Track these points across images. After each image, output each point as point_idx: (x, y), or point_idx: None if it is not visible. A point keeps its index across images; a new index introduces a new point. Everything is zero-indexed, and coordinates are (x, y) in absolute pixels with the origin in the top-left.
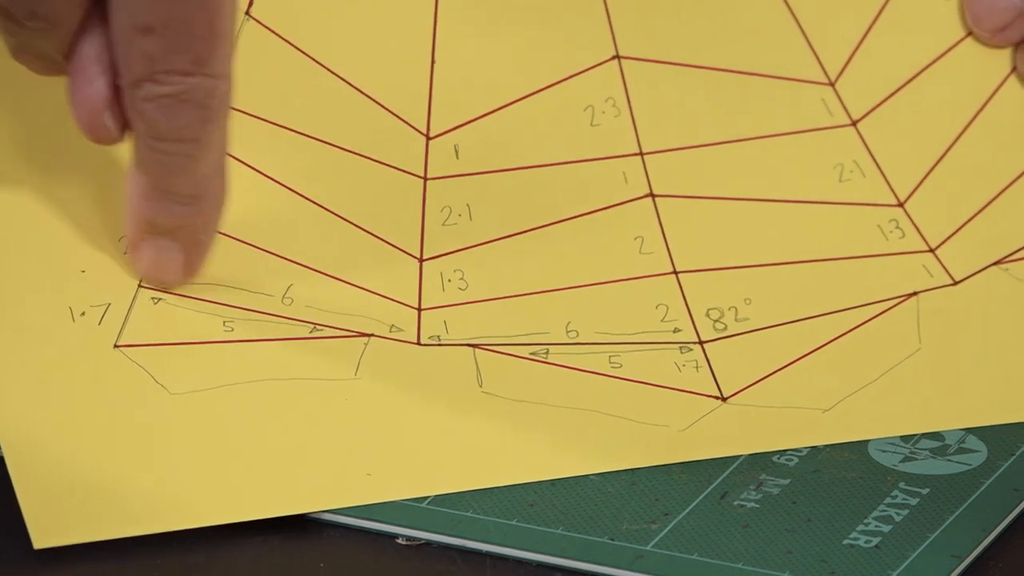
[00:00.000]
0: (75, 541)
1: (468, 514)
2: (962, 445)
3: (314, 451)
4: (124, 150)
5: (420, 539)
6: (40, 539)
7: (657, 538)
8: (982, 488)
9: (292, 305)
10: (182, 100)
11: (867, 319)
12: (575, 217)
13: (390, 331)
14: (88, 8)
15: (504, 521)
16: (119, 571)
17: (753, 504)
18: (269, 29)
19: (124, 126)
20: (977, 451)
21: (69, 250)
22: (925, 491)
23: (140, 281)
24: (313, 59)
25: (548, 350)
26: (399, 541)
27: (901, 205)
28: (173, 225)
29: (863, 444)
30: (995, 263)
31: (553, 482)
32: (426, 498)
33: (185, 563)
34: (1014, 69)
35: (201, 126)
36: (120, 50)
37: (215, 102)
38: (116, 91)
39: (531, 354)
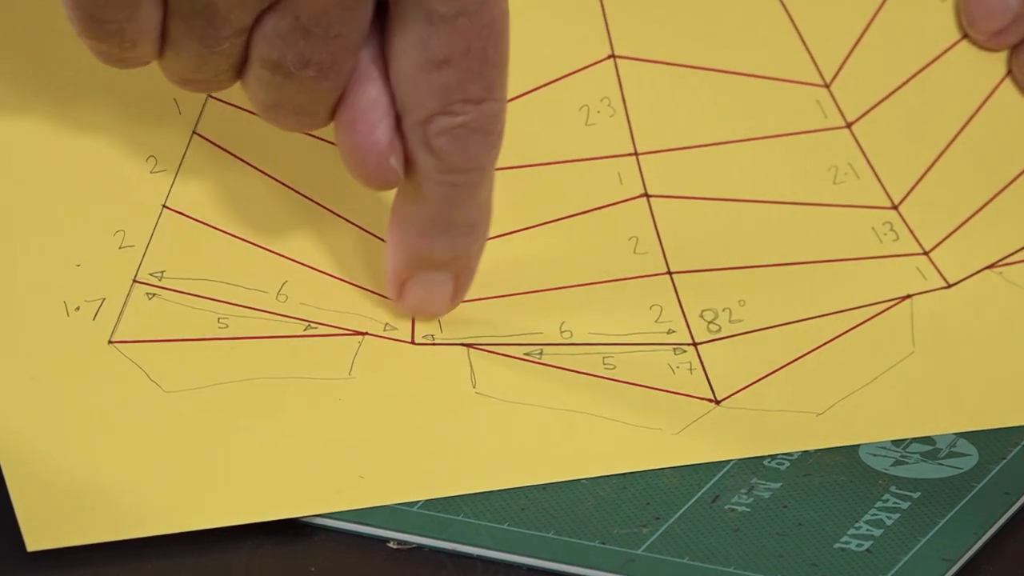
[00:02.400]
0: (68, 544)
1: (459, 518)
2: (953, 449)
3: (307, 453)
4: (124, 144)
5: (411, 543)
6: (33, 541)
7: (648, 542)
8: (973, 492)
9: (287, 302)
10: (473, 129)
11: (861, 322)
12: (569, 217)
13: (384, 329)
14: (358, 54)
15: (495, 525)
16: (111, 574)
17: (744, 508)
18: None
19: (405, 167)
20: (968, 455)
21: (64, 243)
22: (916, 495)
23: (134, 277)
24: None
25: (542, 350)
26: (390, 545)
27: (895, 207)
28: (450, 257)
29: (854, 448)
30: (989, 266)
31: (544, 486)
32: (417, 502)
33: (177, 567)
34: (1009, 72)
35: (488, 153)
36: (408, 88)
37: (500, 127)
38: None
39: (525, 354)
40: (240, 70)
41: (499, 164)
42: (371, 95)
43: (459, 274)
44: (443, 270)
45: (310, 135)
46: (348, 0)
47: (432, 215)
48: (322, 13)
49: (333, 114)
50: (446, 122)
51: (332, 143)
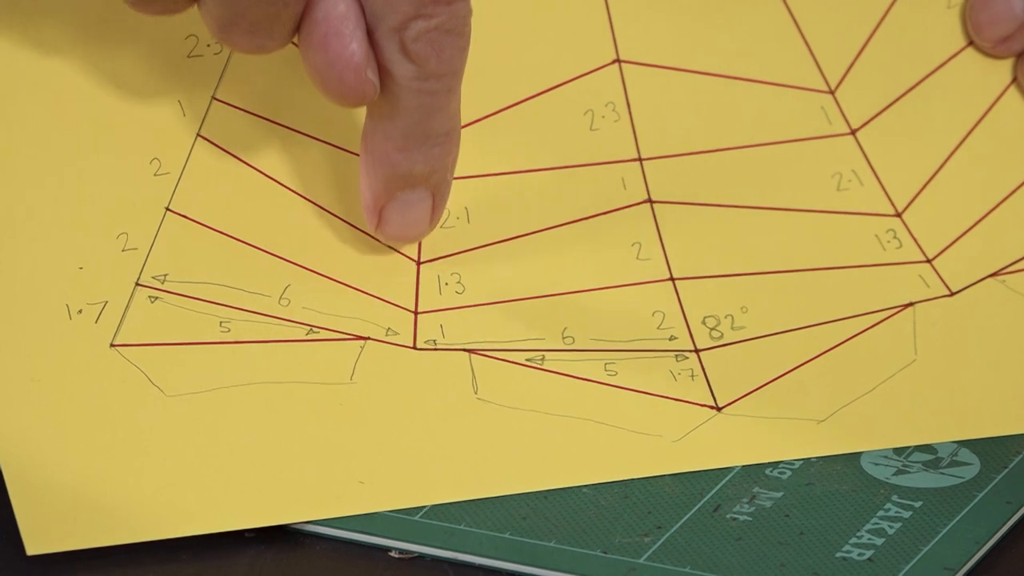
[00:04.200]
0: (68, 548)
1: (461, 527)
2: (955, 458)
3: (308, 458)
4: (128, 146)
5: (412, 552)
6: (33, 545)
7: (650, 551)
8: (975, 501)
9: (289, 306)
10: (447, 31)
11: (863, 329)
12: (573, 222)
13: (386, 334)
14: None
15: (497, 534)
16: None
17: (746, 517)
18: None
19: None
20: (970, 464)
21: (67, 246)
22: (918, 504)
23: (137, 280)
24: None
25: (544, 356)
26: (391, 554)
27: (899, 215)
28: (429, 170)
29: (856, 457)
30: (992, 275)
31: (546, 494)
32: (419, 511)
33: (178, 573)
34: (1015, 80)
35: (461, 55)
36: None
37: (469, 28)
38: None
39: (527, 360)
40: None
41: (503, 168)
42: (340, 9)
43: (437, 189)
44: (422, 186)
45: (313, 138)
46: None
47: (409, 127)
48: None
49: (290, 33)
50: (421, 26)
51: (335, 147)
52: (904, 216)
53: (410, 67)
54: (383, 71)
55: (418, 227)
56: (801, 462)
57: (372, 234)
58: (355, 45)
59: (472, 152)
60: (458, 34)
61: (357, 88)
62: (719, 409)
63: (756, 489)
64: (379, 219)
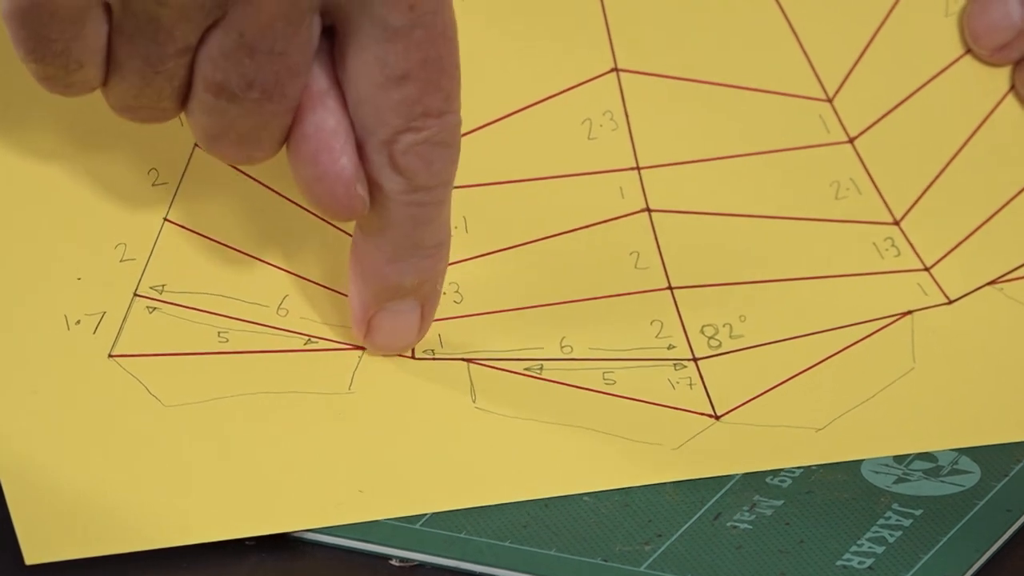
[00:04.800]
0: (67, 557)
1: (461, 535)
2: (955, 466)
3: (307, 467)
4: (126, 157)
5: (413, 560)
6: (32, 555)
7: (650, 559)
8: (975, 509)
9: (287, 316)
10: (436, 143)
11: (862, 337)
12: (571, 231)
13: None
14: (306, 78)
15: (497, 542)
16: None
17: (746, 525)
18: None
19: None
20: (970, 472)
21: (65, 257)
22: (918, 512)
23: (135, 291)
24: None
25: (542, 365)
26: (392, 562)
27: (897, 223)
28: (418, 282)
29: (856, 465)
30: (990, 283)
31: (546, 503)
32: (419, 519)
33: None
34: (1012, 88)
35: (451, 167)
36: (368, 109)
37: (459, 139)
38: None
39: (525, 369)
40: (183, 97)
41: (501, 178)
42: (330, 124)
43: (426, 300)
44: (411, 297)
45: None
46: (293, 15)
47: (399, 239)
48: (266, 29)
49: (279, 145)
50: (411, 139)
51: None
52: (902, 224)
53: (400, 180)
54: (372, 184)
55: (406, 337)
56: (801, 470)
57: (360, 344)
58: (345, 160)
59: (470, 161)
60: (448, 146)
61: (347, 203)
62: (717, 417)
63: (756, 497)
64: (367, 329)
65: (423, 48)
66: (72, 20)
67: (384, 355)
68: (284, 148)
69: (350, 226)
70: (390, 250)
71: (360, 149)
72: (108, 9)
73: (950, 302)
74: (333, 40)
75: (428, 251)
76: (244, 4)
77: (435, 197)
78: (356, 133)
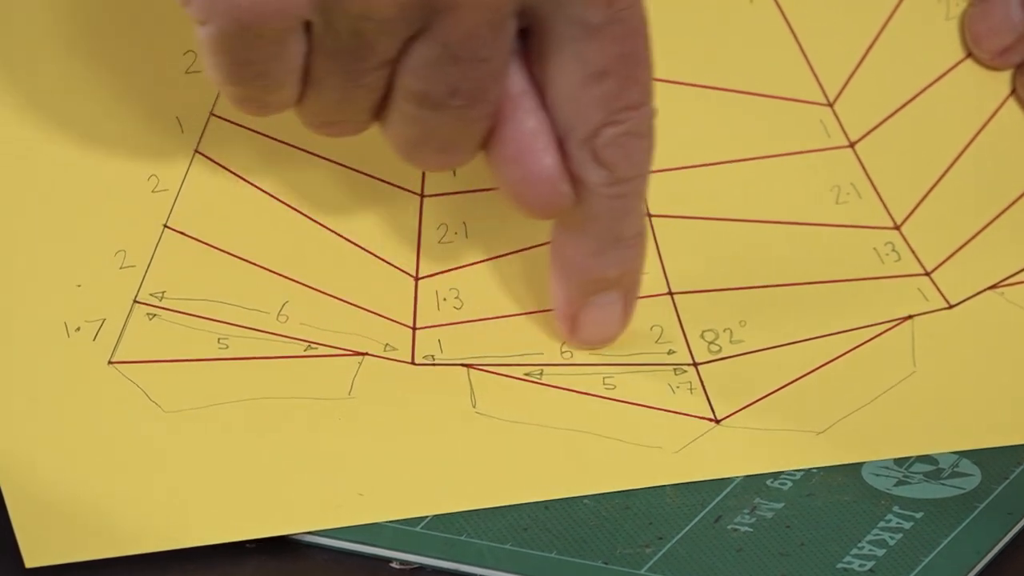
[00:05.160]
0: (67, 560)
1: (462, 538)
2: (956, 469)
3: (307, 471)
4: (126, 163)
5: (414, 563)
6: (32, 558)
7: (651, 562)
8: (976, 512)
9: (287, 323)
10: (635, 135)
11: (862, 342)
12: None
13: (384, 350)
14: (505, 81)
15: (498, 545)
16: None
17: (747, 528)
18: None
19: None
20: (971, 475)
21: (65, 263)
22: (919, 515)
23: (135, 297)
24: None
25: (542, 370)
26: (393, 565)
27: (897, 228)
28: (621, 273)
29: (857, 468)
30: (990, 287)
31: (547, 505)
32: (420, 522)
33: None
34: (1013, 91)
35: (649, 156)
36: (570, 106)
37: (654, 128)
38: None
39: (525, 374)
40: (380, 108)
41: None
42: (531, 125)
43: (628, 290)
44: (614, 289)
45: (311, 154)
46: (495, 21)
47: (601, 232)
48: (471, 37)
49: (478, 149)
50: (612, 132)
51: (332, 162)
52: (903, 229)
53: (602, 173)
54: (574, 180)
55: (612, 329)
56: (802, 473)
57: (565, 341)
58: (549, 160)
59: (470, 167)
60: (646, 136)
61: (554, 201)
62: (718, 421)
63: (757, 500)
64: (573, 324)
65: (621, 43)
66: (276, 40)
67: (589, 347)
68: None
69: (349, 231)
70: (593, 244)
71: (560, 146)
72: (308, 27)
73: (951, 307)
74: (527, 40)
75: (629, 241)
76: (448, 14)
77: (635, 188)
78: (556, 131)
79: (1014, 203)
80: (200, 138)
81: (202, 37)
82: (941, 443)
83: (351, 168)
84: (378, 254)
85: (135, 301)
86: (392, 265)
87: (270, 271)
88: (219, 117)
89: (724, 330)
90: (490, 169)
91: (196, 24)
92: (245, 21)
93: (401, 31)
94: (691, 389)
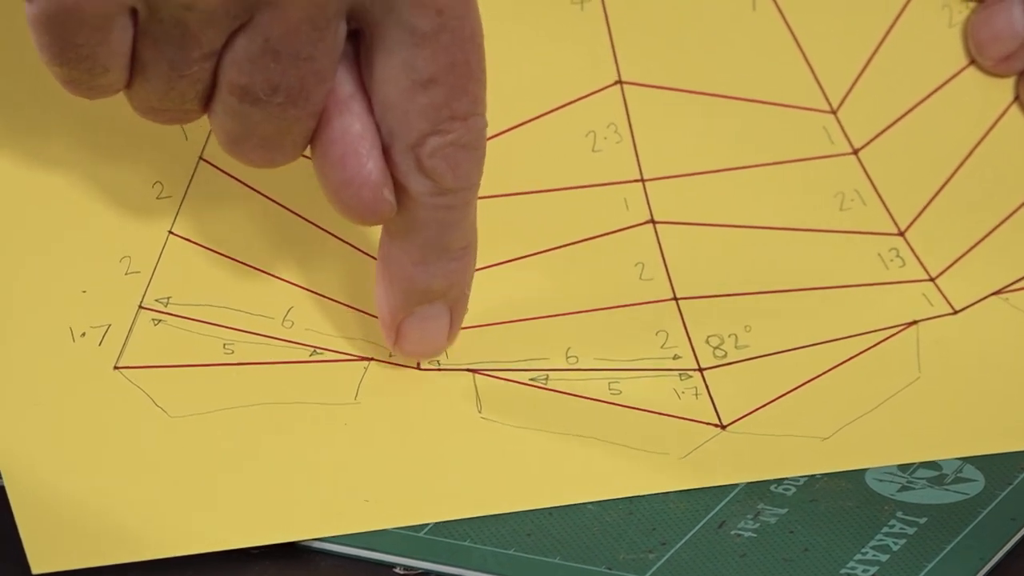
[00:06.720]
0: (73, 566)
1: (466, 544)
2: (959, 474)
3: (313, 477)
4: (131, 170)
5: (418, 568)
6: (38, 564)
7: (655, 567)
8: (980, 517)
9: (292, 328)
10: (463, 146)
11: (867, 347)
12: (576, 243)
13: (390, 355)
14: (331, 82)
15: (502, 551)
16: None
17: (750, 533)
18: None
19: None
20: (975, 480)
21: (70, 269)
22: (923, 520)
23: (140, 303)
24: None
25: (548, 376)
26: (396, 571)
27: (902, 234)
28: (447, 285)
29: (860, 473)
30: (995, 293)
31: (551, 511)
32: (424, 527)
33: None
34: (1016, 98)
35: (477, 168)
36: (395, 113)
37: (485, 141)
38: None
39: (531, 380)
40: (207, 99)
41: (506, 190)
42: (356, 128)
43: (455, 303)
44: (440, 301)
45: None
46: (319, 20)
47: (426, 242)
48: (292, 33)
49: (301, 149)
50: (437, 142)
51: None
52: (907, 235)
53: (426, 183)
54: (399, 187)
55: (436, 342)
56: (806, 479)
57: (390, 350)
58: (372, 164)
59: None
60: (474, 148)
61: (375, 207)
62: (723, 427)
63: (761, 505)
64: (397, 335)
65: (450, 52)
66: (99, 26)
67: (413, 360)
68: (308, 152)
69: (353, 236)
70: (418, 253)
71: (386, 152)
72: (134, 14)
73: (955, 312)
74: (358, 44)
75: (455, 254)
76: (270, 9)
77: (461, 200)
78: (382, 137)
79: (1018, 208)
80: (204, 145)
81: (28, 15)
82: (945, 449)
83: None
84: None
85: (140, 307)
86: None
87: (275, 277)
88: None
89: (729, 335)
90: (315, 171)
91: (25, 1)
92: (67, 4)
93: (224, 23)
94: (696, 394)
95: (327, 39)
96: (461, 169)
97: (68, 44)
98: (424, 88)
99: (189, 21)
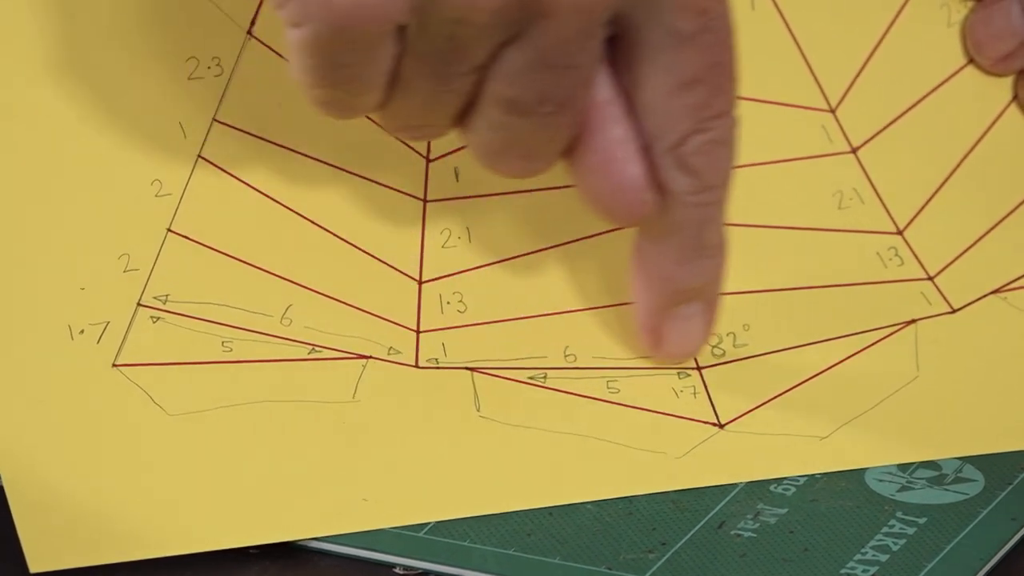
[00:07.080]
0: (71, 565)
1: (465, 544)
2: (959, 474)
3: (311, 475)
4: (129, 168)
5: (417, 568)
6: (36, 563)
7: (655, 567)
8: (979, 517)
9: (291, 326)
10: (720, 142)
11: (865, 346)
12: (575, 241)
13: (388, 353)
14: (593, 88)
15: (501, 551)
16: None
17: (750, 534)
18: (272, 49)
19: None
20: (974, 480)
21: (68, 267)
22: (922, 520)
23: (139, 300)
24: None
25: (546, 374)
26: (396, 571)
27: (900, 233)
28: (703, 283)
29: (860, 473)
30: (994, 292)
31: (551, 511)
32: (423, 527)
33: None
34: (1015, 98)
35: (732, 165)
36: (658, 115)
37: (737, 136)
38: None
39: (529, 378)
40: (463, 114)
41: (504, 188)
42: (617, 133)
43: (710, 301)
44: (696, 300)
45: (314, 159)
46: (590, 28)
47: (685, 241)
48: (564, 44)
49: (559, 155)
50: (700, 140)
51: (336, 167)
52: (905, 234)
53: (688, 181)
54: (658, 187)
55: (695, 341)
56: (805, 478)
57: (648, 355)
58: (635, 168)
59: (474, 171)
60: (730, 143)
61: (638, 210)
62: (721, 426)
63: (760, 506)
64: (657, 337)
65: (713, 52)
66: (369, 45)
67: (672, 360)
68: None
69: (354, 234)
70: (677, 253)
71: (646, 154)
72: (402, 31)
73: (954, 311)
74: (615, 48)
75: (712, 251)
76: (543, 21)
77: (719, 196)
78: (641, 138)
79: (1017, 207)
80: (203, 143)
81: (294, 40)
82: (944, 448)
83: (354, 173)
84: (381, 258)
85: (139, 304)
86: (395, 269)
87: (273, 275)
88: (221, 123)
89: (728, 334)
90: (573, 177)
91: (288, 27)
92: (340, 24)
93: (495, 36)
94: (695, 393)
95: (593, 46)
96: (720, 165)
97: (336, 65)
98: (688, 88)
99: (460, 35)
